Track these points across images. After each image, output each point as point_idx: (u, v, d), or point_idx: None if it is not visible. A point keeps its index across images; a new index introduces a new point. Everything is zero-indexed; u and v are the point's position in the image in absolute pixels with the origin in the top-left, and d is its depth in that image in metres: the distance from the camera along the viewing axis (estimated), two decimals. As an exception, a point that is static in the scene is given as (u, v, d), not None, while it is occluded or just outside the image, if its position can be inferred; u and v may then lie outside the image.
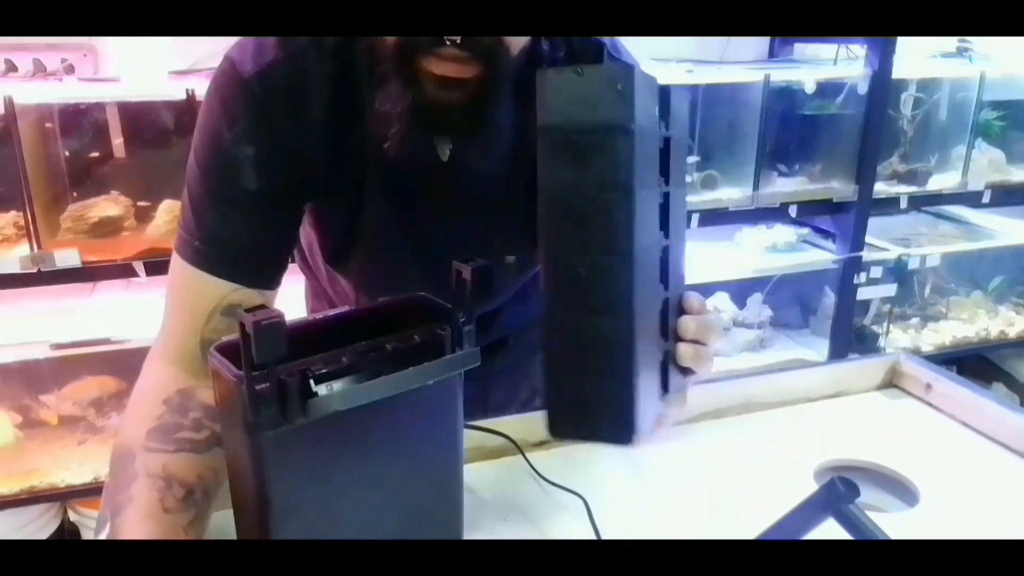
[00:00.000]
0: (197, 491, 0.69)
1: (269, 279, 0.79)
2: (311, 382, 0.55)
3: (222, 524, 0.82)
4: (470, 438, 0.87)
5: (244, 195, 0.75)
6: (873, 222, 2.33)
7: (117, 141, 1.86)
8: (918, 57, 2.43)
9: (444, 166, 0.81)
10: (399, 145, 0.74)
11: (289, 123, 0.75)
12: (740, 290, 2.46)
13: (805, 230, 2.44)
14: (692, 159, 2.20)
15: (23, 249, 1.64)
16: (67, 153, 1.82)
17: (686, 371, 0.73)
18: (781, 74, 2.17)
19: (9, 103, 1.53)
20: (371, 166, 0.80)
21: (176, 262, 0.78)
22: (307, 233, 0.96)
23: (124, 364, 1.79)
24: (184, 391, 0.74)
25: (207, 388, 0.73)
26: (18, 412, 1.88)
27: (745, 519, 0.73)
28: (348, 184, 0.81)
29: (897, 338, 2.56)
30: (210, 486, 0.71)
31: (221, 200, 0.76)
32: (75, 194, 1.79)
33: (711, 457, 0.96)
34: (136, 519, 0.63)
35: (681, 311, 0.73)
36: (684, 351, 0.71)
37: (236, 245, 0.76)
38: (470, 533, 0.73)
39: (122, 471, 0.68)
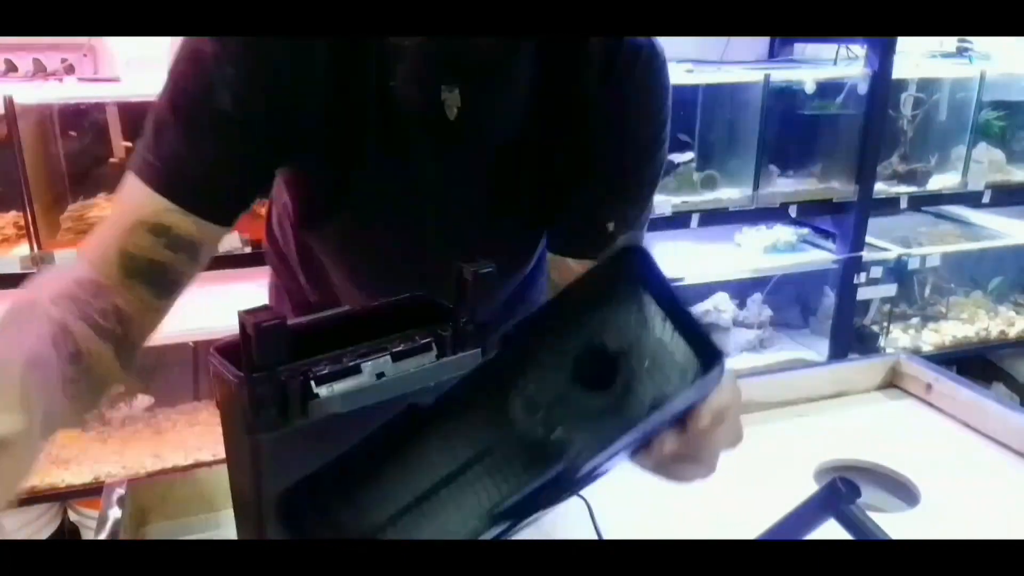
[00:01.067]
0: (85, 360, 0.64)
1: (217, 211, 0.72)
2: (312, 384, 0.55)
3: (222, 524, 0.82)
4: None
5: (214, 116, 0.69)
6: (873, 222, 2.33)
7: (117, 141, 1.86)
8: (918, 57, 2.43)
9: (449, 126, 0.74)
10: (404, 88, 0.69)
11: (282, 51, 0.69)
12: (740, 290, 2.46)
13: (805, 230, 2.44)
14: (687, 155, 2.20)
15: (23, 249, 1.64)
16: (67, 153, 1.82)
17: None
18: (781, 74, 2.17)
19: (9, 103, 1.53)
20: (370, 114, 0.74)
21: (125, 180, 0.72)
22: (280, 205, 0.91)
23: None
24: (99, 283, 0.68)
25: (122, 295, 0.68)
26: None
27: (746, 519, 0.73)
28: (341, 132, 0.75)
29: (897, 338, 2.56)
30: (100, 373, 0.66)
31: (187, 117, 0.70)
32: (75, 194, 1.79)
33: (711, 457, 0.95)
34: (17, 334, 0.59)
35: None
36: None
37: (190, 167, 0.70)
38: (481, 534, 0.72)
39: (16, 313, 0.63)
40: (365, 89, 0.73)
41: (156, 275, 0.70)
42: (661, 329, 0.40)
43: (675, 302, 0.39)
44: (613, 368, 0.38)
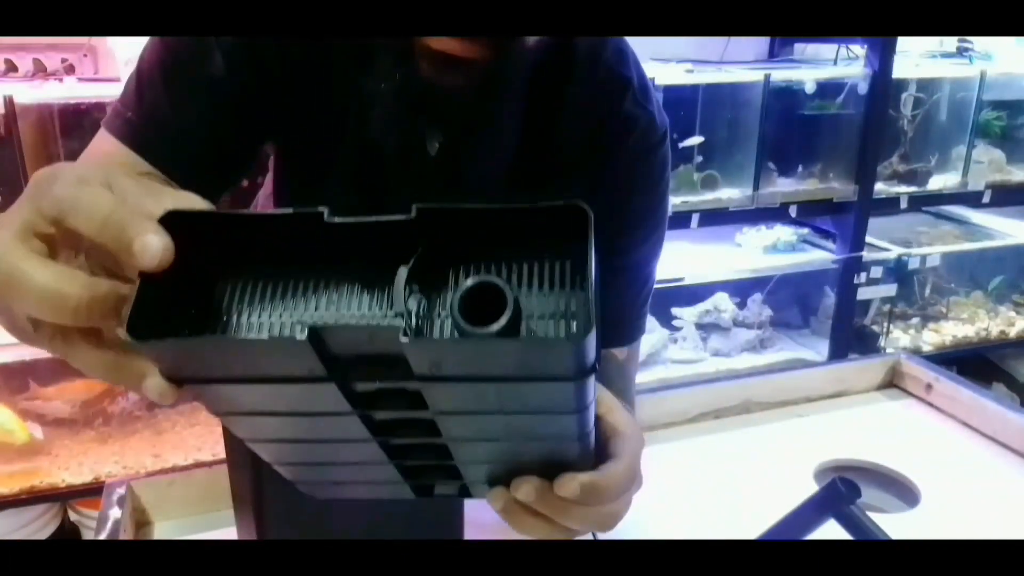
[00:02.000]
0: None
1: (195, 181, 0.66)
2: None
3: (222, 524, 0.82)
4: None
5: (206, 82, 0.65)
6: (873, 222, 2.33)
7: (117, 141, 1.85)
8: (918, 57, 2.44)
9: (430, 162, 0.70)
10: (381, 129, 0.66)
11: (274, 58, 0.67)
12: (740, 290, 2.46)
13: (805, 230, 2.44)
14: (698, 139, 2.20)
15: (23, 249, 1.64)
16: (67, 153, 1.82)
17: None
18: (781, 74, 2.17)
19: (9, 103, 1.53)
20: (345, 140, 0.71)
21: (97, 136, 0.68)
22: (264, 198, 0.88)
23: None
24: None
25: None
26: (18, 411, 1.88)
27: (746, 519, 0.73)
28: (322, 132, 0.72)
29: (897, 338, 2.56)
30: None
31: (177, 80, 0.66)
32: (75, 194, 1.79)
33: (711, 457, 0.96)
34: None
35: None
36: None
37: (175, 129, 0.66)
38: (470, 533, 0.72)
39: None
40: (341, 121, 0.71)
41: None
42: (564, 303, 0.38)
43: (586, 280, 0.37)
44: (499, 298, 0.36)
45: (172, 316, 0.35)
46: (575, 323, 0.36)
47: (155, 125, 0.66)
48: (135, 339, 0.32)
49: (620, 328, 0.83)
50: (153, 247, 0.33)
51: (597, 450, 0.47)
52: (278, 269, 0.38)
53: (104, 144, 0.67)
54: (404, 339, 0.31)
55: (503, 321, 0.34)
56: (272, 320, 0.37)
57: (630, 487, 0.49)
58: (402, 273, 0.36)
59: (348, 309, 0.37)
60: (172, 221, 0.35)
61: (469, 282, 0.35)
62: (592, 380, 0.36)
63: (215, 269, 0.38)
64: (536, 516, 0.47)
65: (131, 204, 0.36)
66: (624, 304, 0.82)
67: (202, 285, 0.37)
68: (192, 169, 0.66)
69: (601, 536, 0.57)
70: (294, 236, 0.36)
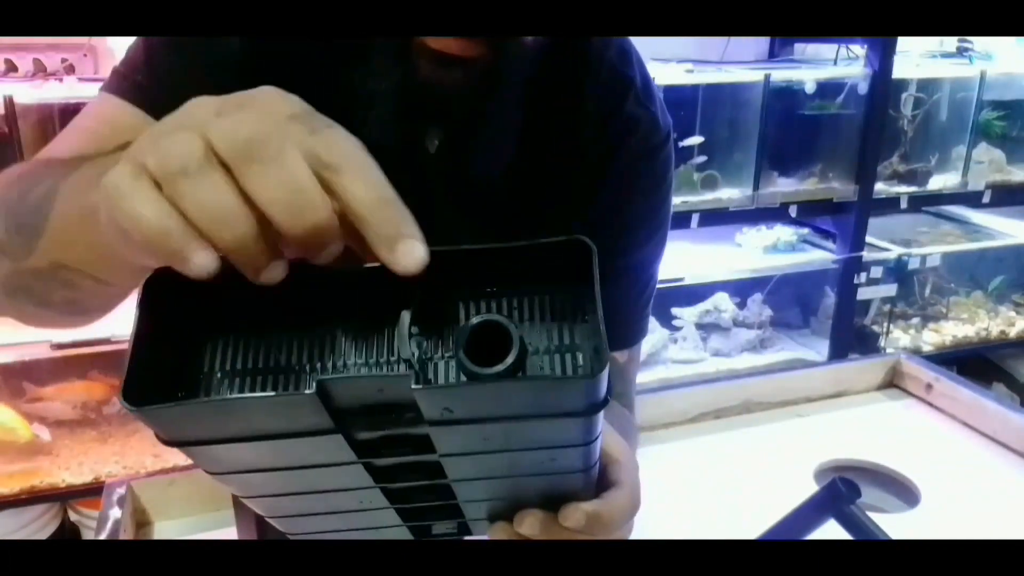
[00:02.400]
0: None
1: None
2: None
3: (222, 524, 0.82)
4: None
5: (220, 54, 0.63)
6: (873, 222, 2.33)
7: (117, 141, 1.86)
8: (918, 57, 2.44)
9: (430, 159, 0.70)
10: (380, 128, 0.63)
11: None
12: (740, 290, 2.46)
13: (805, 230, 2.44)
14: (697, 139, 2.20)
15: (23, 249, 1.64)
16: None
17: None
18: (781, 74, 2.17)
19: (9, 103, 1.53)
20: (355, 119, 0.69)
21: (96, 100, 0.64)
22: None
23: (124, 364, 1.79)
24: None
25: None
26: (21, 413, 1.88)
27: (746, 519, 0.73)
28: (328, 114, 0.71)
29: (897, 338, 2.56)
30: None
31: (190, 52, 0.63)
32: (75, 194, 1.79)
33: (711, 457, 0.96)
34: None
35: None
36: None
37: (190, 95, 0.65)
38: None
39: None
40: (348, 100, 0.67)
41: None
42: (568, 336, 0.37)
43: (595, 312, 0.36)
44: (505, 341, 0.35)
45: (163, 379, 0.34)
46: (580, 356, 0.36)
47: (168, 87, 0.63)
48: (132, 406, 0.31)
49: (620, 331, 0.83)
50: (419, 254, 0.32)
51: (597, 478, 0.47)
52: (269, 322, 0.37)
53: (108, 107, 0.63)
54: (416, 387, 0.31)
55: (509, 360, 0.33)
56: (271, 376, 0.36)
57: (633, 513, 0.49)
58: (405, 318, 0.35)
59: (346, 359, 0.36)
60: (158, 282, 0.34)
61: (473, 322, 0.34)
62: (601, 414, 0.36)
63: (204, 327, 0.37)
64: None
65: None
66: (624, 306, 0.82)
67: (191, 344, 0.36)
68: None
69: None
70: (284, 289, 0.35)
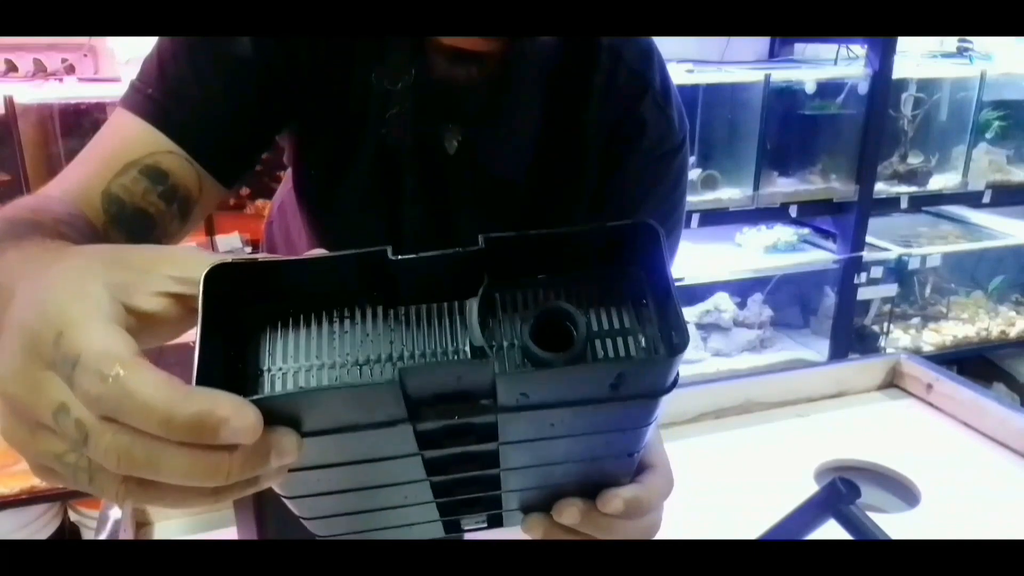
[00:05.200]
0: None
1: (219, 161, 0.64)
2: None
3: (222, 524, 0.82)
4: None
5: (231, 60, 0.63)
6: (873, 222, 2.34)
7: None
8: (918, 57, 2.44)
9: (450, 161, 0.70)
10: (398, 128, 0.64)
11: (300, 42, 0.65)
12: (740, 290, 2.46)
13: (805, 230, 2.44)
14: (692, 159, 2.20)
15: (23, 249, 1.64)
16: (67, 153, 1.82)
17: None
18: (781, 74, 2.17)
19: (9, 103, 1.53)
20: (363, 140, 0.68)
21: (113, 115, 0.64)
22: (284, 192, 0.86)
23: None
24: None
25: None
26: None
27: (746, 519, 0.73)
28: (335, 148, 0.70)
29: (898, 338, 2.56)
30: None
31: (201, 58, 0.63)
32: (75, 194, 1.79)
33: (711, 457, 0.96)
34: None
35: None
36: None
37: (199, 106, 0.63)
38: (471, 533, 0.72)
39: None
40: (357, 122, 0.69)
41: (140, 227, 0.61)
42: (631, 319, 0.38)
43: (669, 286, 0.36)
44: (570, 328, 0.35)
45: (230, 376, 0.33)
46: (643, 338, 0.36)
47: (178, 101, 0.62)
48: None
49: None
50: (239, 426, 0.29)
51: None
52: (324, 311, 0.36)
53: (122, 122, 0.63)
54: (500, 373, 0.31)
55: (577, 347, 0.33)
56: (333, 367, 0.35)
57: (669, 493, 0.49)
58: (473, 305, 0.35)
59: (414, 347, 0.36)
60: (221, 273, 0.33)
61: (539, 309, 0.34)
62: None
63: (263, 320, 0.36)
64: (577, 536, 0.46)
65: (148, 276, 0.33)
66: None
67: (252, 339, 0.36)
68: (214, 147, 0.64)
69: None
70: (347, 277, 0.35)
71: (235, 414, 0.29)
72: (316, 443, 0.33)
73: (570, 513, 0.44)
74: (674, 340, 0.35)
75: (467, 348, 0.36)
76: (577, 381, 0.33)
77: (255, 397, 0.30)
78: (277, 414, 0.31)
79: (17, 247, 0.43)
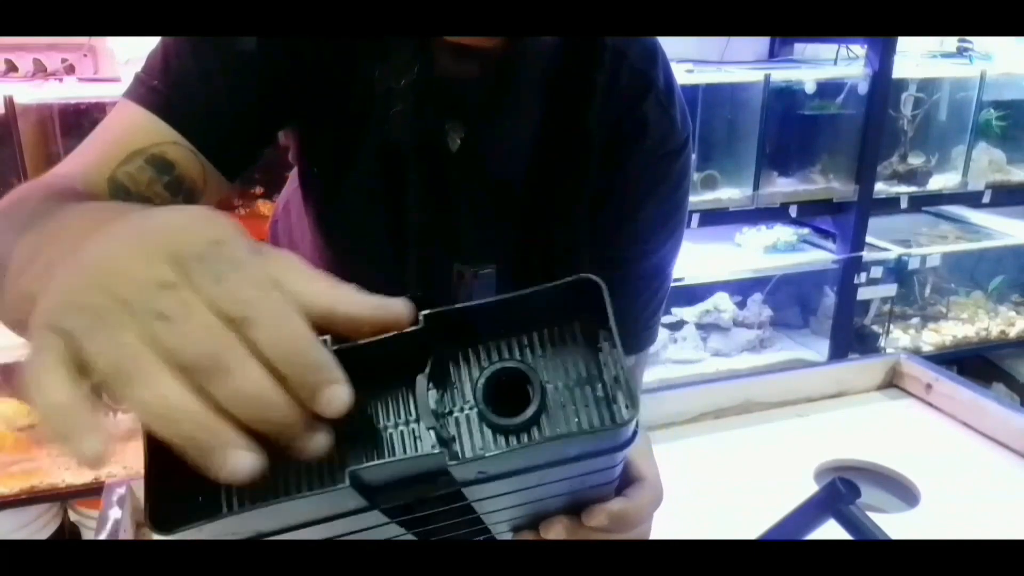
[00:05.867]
0: None
1: (224, 153, 0.64)
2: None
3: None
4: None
5: (236, 54, 0.63)
6: (873, 222, 2.34)
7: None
8: (918, 57, 2.44)
9: (452, 158, 0.70)
10: (401, 127, 0.64)
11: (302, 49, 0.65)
12: (740, 290, 2.46)
13: (805, 230, 2.44)
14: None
15: (23, 249, 1.64)
16: (67, 153, 1.82)
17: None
18: (781, 74, 2.17)
19: (9, 103, 1.53)
20: (365, 138, 0.69)
21: (116, 107, 0.64)
22: (290, 191, 0.86)
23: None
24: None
25: None
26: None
27: (745, 519, 0.73)
28: (338, 146, 0.71)
29: (897, 338, 2.56)
30: None
31: (206, 52, 0.63)
32: (75, 194, 1.79)
33: (711, 457, 0.96)
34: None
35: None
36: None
37: (204, 98, 0.63)
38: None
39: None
40: (360, 120, 0.69)
41: None
42: (586, 368, 0.37)
43: (614, 346, 0.36)
44: (525, 393, 0.35)
45: (186, 489, 0.32)
46: (600, 386, 0.36)
47: (184, 94, 0.63)
48: (164, 532, 0.30)
49: (627, 339, 0.82)
50: (342, 399, 0.30)
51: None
52: None
53: (127, 113, 0.63)
54: (452, 463, 0.31)
55: (531, 409, 0.34)
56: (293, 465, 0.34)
57: (658, 505, 0.49)
58: (422, 383, 0.35)
59: (367, 428, 0.36)
60: None
61: (489, 371, 0.35)
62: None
63: None
64: None
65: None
66: (633, 313, 0.81)
67: None
68: (220, 140, 0.64)
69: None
70: None
71: (341, 382, 0.30)
72: (278, 522, 0.33)
73: (556, 531, 0.44)
74: (624, 409, 0.35)
75: (422, 428, 0.35)
76: (533, 456, 0.33)
77: (203, 522, 0.31)
78: (237, 527, 0.32)
79: (72, 207, 0.43)
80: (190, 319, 0.29)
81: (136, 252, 0.31)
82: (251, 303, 0.30)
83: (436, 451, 0.31)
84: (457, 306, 0.34)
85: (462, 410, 0.36)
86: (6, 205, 0.53)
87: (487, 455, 0.32)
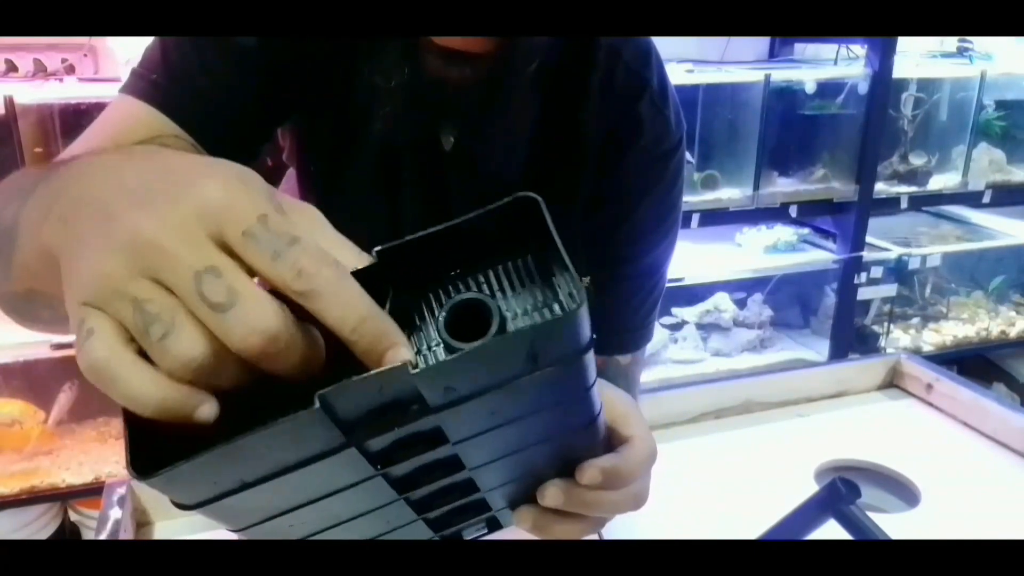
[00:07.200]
0: None
1: (223, 150, 0.61)
2: None
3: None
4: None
5: (236, 50, 0.63)
6: (873, 222, 2.34)
7: (117, 141, 1.86)
8: (918, 57, 2.44)
9: (446, 158, 0.71)
10: (394, 127, 0.65)
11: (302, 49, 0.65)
12: (740, 290, 2.46)
13: (805, 230, 2.44)
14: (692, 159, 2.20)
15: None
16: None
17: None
18: (781, 74, 2.17)
19: (9, 103, 1.53)
20: (362, 136, 0.69)
21: (113, 102, 0.64)
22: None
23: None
24: None
25: None
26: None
27: (746, 519, 0.73)
28: (334, 144, 0.71)
29: (898, 338, 2.56)
30: None
31: (205, 46, 0.63)
32: (75, 194, 1.79)
33: (711, 457, 0.95)
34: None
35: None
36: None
37: (204, 92, 0.63)
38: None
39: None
40: (354, 119, 0.69)
41: None
42: (541, 293, 0.37)
43: (564, 267, 0.37)
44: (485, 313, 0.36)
45: (165, 442, 0.32)
46: (556, 306, 0.37)
47: (183, 88, 0.63)
48: (142, 476, 0.30)
49: (624, 336, 0.82)
50: (406, 358, 0.31)
51: (607, 436, 0.48)
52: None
53: (125, 106, 0.63)
54: (414, 371, 0.31)
55: (493, 330, 0.34)
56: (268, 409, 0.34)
57: (651, 462, 0.50)
58: None
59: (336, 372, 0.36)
60: None
61: (448, 304, 0.35)
62: (592, 356, 0.37)
63: None
64: (567, 518, 0.47)
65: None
66: (628, 312, 0.81)
67: None
68: (219, 134, 0.64)
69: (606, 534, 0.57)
70: None
71: (405, 344, 0.32)
72: (270, 489, 0.33)
73: (552, 494, 0.45)
74: (570, 300, 0.36)
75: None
76: (493, 361, 0.33)
77: (181, 463, 0.30)
78: (215, 470, 0.31)
79: (82, 158, 0.42)
80: (244, 304, 0.30)
81: (179, 234, 0.30)
82: (313, 276, 0.30)
83: (398, 365, 0.31)
84: (407, 237, 0.35)
85: (429, 348, 0.37)
86: (6, 180, 0.52)
87: (448, 359, 0.32)
